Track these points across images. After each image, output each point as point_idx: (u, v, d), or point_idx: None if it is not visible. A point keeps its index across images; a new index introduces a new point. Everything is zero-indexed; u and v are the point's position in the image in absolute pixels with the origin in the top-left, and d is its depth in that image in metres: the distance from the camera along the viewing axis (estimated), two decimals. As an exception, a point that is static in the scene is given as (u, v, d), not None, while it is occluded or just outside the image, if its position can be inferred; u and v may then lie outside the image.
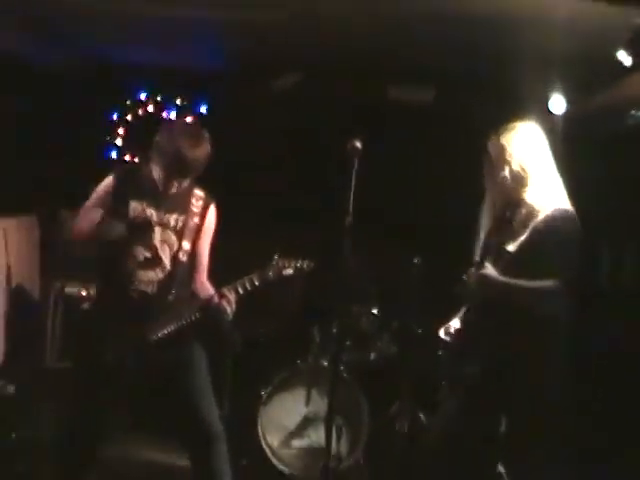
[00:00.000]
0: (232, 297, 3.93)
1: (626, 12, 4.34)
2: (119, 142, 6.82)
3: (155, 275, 3.95)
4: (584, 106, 5.88)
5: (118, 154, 6.82)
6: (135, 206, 3.94)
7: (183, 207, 4.02)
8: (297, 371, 5.33)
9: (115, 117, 6.86)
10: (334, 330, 5.18)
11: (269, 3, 4.94)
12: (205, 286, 4.13)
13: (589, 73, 5.32)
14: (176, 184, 3.94)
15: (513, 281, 3.60)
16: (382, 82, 6.40)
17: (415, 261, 5.58)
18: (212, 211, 4.14)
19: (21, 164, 6.34)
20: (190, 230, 4.02)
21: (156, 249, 3.95)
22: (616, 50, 4.76)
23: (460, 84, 6.09)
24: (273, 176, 6.54)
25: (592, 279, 6.26)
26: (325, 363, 5.33)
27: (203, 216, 4.09)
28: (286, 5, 4.95)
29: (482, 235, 3.94)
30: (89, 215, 3.95)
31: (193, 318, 3.93)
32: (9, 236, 6.08)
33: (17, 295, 6.16)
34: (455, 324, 3.95)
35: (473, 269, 3.73)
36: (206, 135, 3.95)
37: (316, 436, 5.25)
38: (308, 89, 6.41)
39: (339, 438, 5.01)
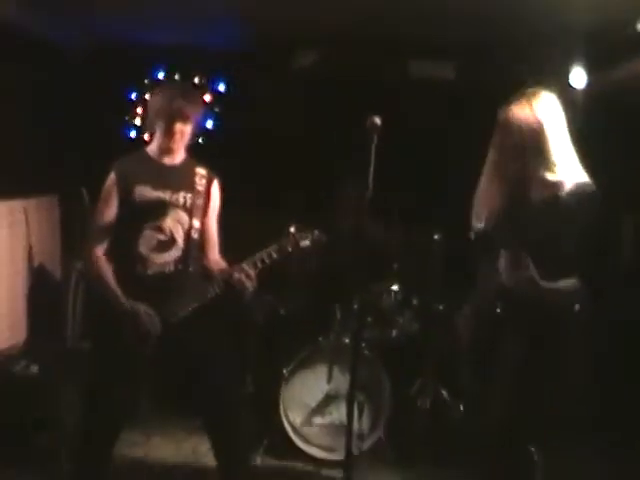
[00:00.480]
0: (252, 272, 3.93)
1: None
2: (138, 122, 6.82)
3: (169, 256, 3.96)
4: (605, 79, 5.81)
5: (137, 134, 6.82)
6: (141, 189, 3.94)
7: (188, 185, 4.03)
8: (318, 348, 5.31)
9: (134, 97, 6.86)
10: (355, 307, 5.16)
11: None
12: (219, 262, 4.13)
13: (610, 46, 5.27)
14: (174, 147, 3.98)
15: (550, 285, 3.47)
16: (402, 59, 6.37)
17: (435, 237, 5.56)
18: (216, 187, 4.15)
19: (41, 145, 6.35)
20: (198, 208, 4.03)
21: (170, 230, 3.95)
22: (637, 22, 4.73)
23: (479, 59, 6.05)
24: (290, 153, 6.52)
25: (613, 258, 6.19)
26: (347, 340, 5.31)
27: (208, 193, 4.11)
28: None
29: (484, 216, 3.74)
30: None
31: (213, 295, 3.93)
32: (30, 216, 6.11)
33: (38, 275, 6.19)
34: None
35: (513, 269, 3.51)
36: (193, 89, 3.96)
37: (338, 413, 5.24)
38: (326, 67, 6.39)
39: (360, 415, 5.00)
